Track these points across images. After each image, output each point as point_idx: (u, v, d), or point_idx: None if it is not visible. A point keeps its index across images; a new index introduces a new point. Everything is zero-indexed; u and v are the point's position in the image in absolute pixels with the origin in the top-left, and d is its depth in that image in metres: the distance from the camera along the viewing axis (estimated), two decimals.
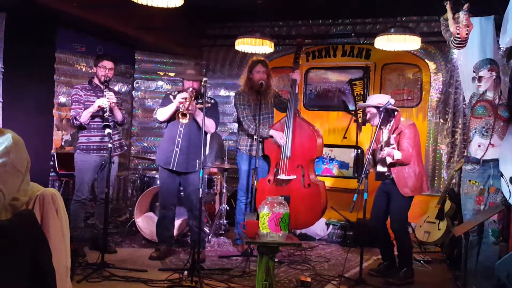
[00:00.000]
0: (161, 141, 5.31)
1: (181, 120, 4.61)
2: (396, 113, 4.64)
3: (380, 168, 4.57)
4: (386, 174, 4.61)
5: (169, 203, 5.08)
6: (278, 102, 5.66)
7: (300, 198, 5.27)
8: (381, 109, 4.59)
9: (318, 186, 5.41)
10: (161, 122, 5.07)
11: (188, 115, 4.62)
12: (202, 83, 4.63)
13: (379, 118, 4.59)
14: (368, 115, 4.73)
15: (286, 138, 5.38)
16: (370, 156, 4.64)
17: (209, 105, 4.97)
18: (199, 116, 4.75)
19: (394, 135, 4.56)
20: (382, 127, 4.67)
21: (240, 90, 5.63)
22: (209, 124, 4.90)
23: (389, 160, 4.51)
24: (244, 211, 5.51)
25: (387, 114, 4.63)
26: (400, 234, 4.71)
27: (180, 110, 4.67)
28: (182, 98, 4.75)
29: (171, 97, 4.98)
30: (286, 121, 5.42)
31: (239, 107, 5.53)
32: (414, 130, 4.66)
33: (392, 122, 4.65)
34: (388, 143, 4.53)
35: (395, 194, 4.62)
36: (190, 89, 4.85)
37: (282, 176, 5.35)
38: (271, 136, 5.45)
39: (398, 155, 4.47)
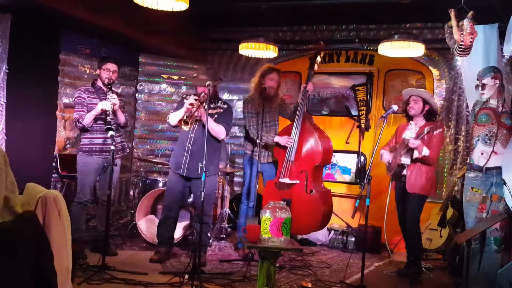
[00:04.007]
0: (176, 145, 5.33)
1: (183, 127, 4.60)
2: (437, 116, 5.01)
3: (404, 159, 4.91)
4: (401, 175, 5.00)
5: (174, 205, 5.08)
6: (283, 108, 5.67)
7: (300, 203, 5.22)
8: (384, 115, 4.64)
9: (320, 193, 5.33)
10: (174, 127, 5.06)
11: (190, 123, 4.61)
12: (206, 86, 4.61)
13: (421, 112, 4.99)
14: (412, 103, 5.03)
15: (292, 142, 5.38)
16: (388, 153, 5.12)
17: (221, 110, 4.96)
18: (209, 123, 4.74)
19: (426, 128, 4.78)
20: (411, 122, 5.09)
21: (248, 97, 5.66)
22: (219, 130, 4.87)
23: (415, 154, 4.84)
24: (247, 215, 5.51)
25: (429, 113, 5.01)
26: (411, 234, 5.04)
27: (184, 117, 4.66)
28: (189, 104, 4.73)
29: (185, 101, 4.96)
30: (294, 126, 5.41)
31: (247, 115, 5.55)
32: (443, 136, 5.17)
33: (423, 123, 4.97)
34: (417, 137, 4.79)
35: (407, 195, 4.97)
36: (202, 94, 4.80)
37: (283, 180, 5.35)
38: (277, 143, 5.46)
39: (426, 151, 4.76)
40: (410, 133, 4.95)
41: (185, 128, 4.63)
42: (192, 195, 5.34)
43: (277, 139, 5.45)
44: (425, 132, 4.71)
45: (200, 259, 4.42)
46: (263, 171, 5.66)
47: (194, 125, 4.77)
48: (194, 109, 4.70)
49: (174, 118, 4.92)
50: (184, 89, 7.97)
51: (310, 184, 5.29)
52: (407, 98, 5.13)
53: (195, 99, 4.76)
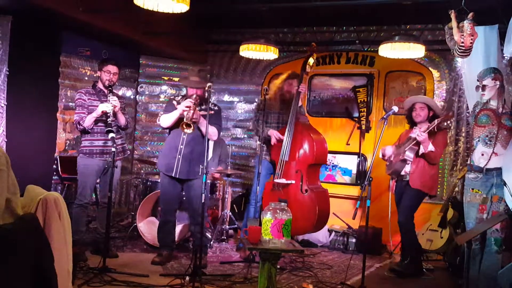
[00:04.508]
0: (163, 146, 5.30)
1: (185, 130, 4.57)
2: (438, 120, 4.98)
3: (408, 154, 4.99)
4: (402, 174, 5.10)
5: (170, 208, 5.08)
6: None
7: (296, 203, 5.19)
8: (385, 116, 4.65)
9: (316, 193, 5.30)
10: (165, 129, 5.07)
11: (192, 125, 4.60)
12: (206, 88, 4.63)
13: (427, 117, 5.10)
14: (418, 110, 5.14)
15: (286, 143, 5.39)
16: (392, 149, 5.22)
17: (212, 112, 4.97)
18: (203, 125, 4.77)
19: (436, 120, 4.88)
20: (415, 127, 5.15)
21: (267, 96, 5.69)
22: (212, 132, 4.86)
23: (421, 150, 4.91)
24: (253, 215, 5.51)
25: (434, 118, 5.05)
26: (405, 227, 5.11)
27: (184, 120, 4.64)
28: (186, 107, 4.72)
29: (174, 102, 4.97)
30: (287, 127, 5.44)
31: (257, 113, 5.69)
32: (447, 137, 5.34)
33: (426, 126, 5.03)
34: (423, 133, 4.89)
35: (407, 190, 5.08)
36: (194, 95, 4.82)
37: (277, 180, 5.36)
38: (269, 136, 5.49)
39: (431, 147, 4.89)
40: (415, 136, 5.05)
41: (188, 131, 4.60)
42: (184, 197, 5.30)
43: (269, 132, 5.50)
44: (436, 122, 4.82)
45: (201, 261, 4.42)
46: (272, 172, 5.68)
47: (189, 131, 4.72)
48: (192, 111, 4.69)
49: (167, 120, 4.91)
50: (185, 90, 7.96)
51: (305, 183, 5.29)
52: (410, 105, 5.25)
53: (191, 102, 4.74)
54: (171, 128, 5.01)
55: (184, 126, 4.58)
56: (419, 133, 4.86)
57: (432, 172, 5.10)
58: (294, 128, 5.42)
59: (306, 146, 5.40)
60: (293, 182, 5.30)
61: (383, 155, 5.31)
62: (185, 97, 4.98)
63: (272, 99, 5.65)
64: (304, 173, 5.30)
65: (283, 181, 5.33)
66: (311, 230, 5.53)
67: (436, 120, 4.84)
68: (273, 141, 5.44)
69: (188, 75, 5.08)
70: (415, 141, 4.95)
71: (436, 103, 5.41)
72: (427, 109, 5.14)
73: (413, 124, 5.26)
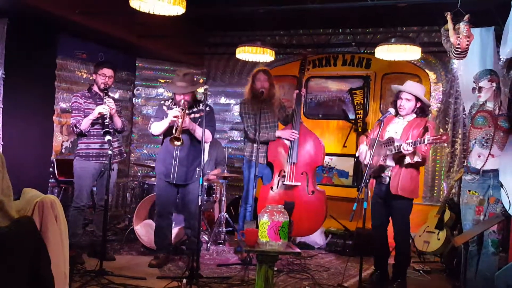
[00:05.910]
0: (159, 151, 5.27)
1: (175, 143, 4.51)
2: (429, 113, 4.61)
3: (389, 162, 4.46)
4: (383, 178, 4.56)
5: (166, 212, 5.07)
6: (281, 111, 5.72)
7: (304, 205, 5.36)
8: (381, 118, 4.61)
9: (321, 193, 5.58)
10: (156, 136, 5.04)
11: (181, 139, 4.53)
12: (203, 91, 4.61)
13: (413, 109, 4.53)
14: (403, 101, 4.54)
15: (292, 145, 5.45)
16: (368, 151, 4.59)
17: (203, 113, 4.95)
18: (196, 130, 4.76)
19: (427, 137, 4.22)
20: (399, 116, 4.62)
21: (244, 99, 5.74)
22: (206, 134, 4.80)
23: (407, 160, 4.39)
24: (245, 219, 5.53)
25: (421, 110, 4.57)
26: (401, 245, 4.71)
27: (173, 131, 4.60)
28: (174, 117, 4.66)
29: (164, 108, 4.93)
30: (293, 129, 5.57)
31: (244, 117, 5.65)
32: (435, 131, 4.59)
33: (413, 117, 4.57)
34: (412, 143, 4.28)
35: (393, 201, 4.52)
36: (182, 101, 4.74)
37: (288, 182, 5.42)
38: (279, 137, 5.56)
39: (418, 157, 4.36)
40: (396, 127, 4.60)
41: (178, 143, 4.53)
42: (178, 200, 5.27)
43: (279, 133, 5.57)
44: (426, 142, 4.19)
45: (198, 264, 4.42)
46: (262, 174, 5.68)
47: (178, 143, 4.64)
48: (180, 120, 4.62)
49: (157, 129, 4.86)
50: None
51: (311, 185, 5.45)
52: (397, 92, 4.68)
53: (179, 111, 4.67)
54: (164, 135, 4.97)
55: (173, 140, 4.52)
56: (406, 147, 4.27)
57: (414, 174, 4.50)
58: (299, 131, 5.52)
59: (314, 148, 5.59)
60: (299, 184, 5.40)
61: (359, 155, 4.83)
62: (173, 101, 4.94)
63: (250, 100, 5.62)
64: (310, 175, 5.43)
65: (289, 182, 5.43)
66: (316, 230, 5.79)
67: (426, 138, 4.21)
68: (291, 138, 5.52)
69: (174, 80, 4.93)
70: (397, 151, 4.36)
71: (422, 91, 4.67)
72: (415, 101, 4.52)
73: (397, 112, 4.65)
